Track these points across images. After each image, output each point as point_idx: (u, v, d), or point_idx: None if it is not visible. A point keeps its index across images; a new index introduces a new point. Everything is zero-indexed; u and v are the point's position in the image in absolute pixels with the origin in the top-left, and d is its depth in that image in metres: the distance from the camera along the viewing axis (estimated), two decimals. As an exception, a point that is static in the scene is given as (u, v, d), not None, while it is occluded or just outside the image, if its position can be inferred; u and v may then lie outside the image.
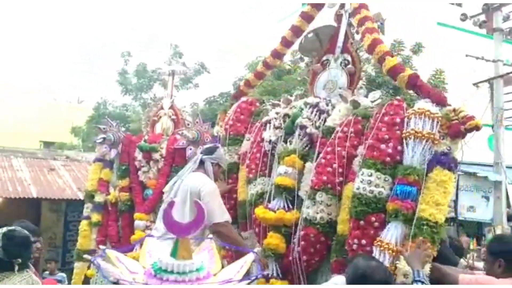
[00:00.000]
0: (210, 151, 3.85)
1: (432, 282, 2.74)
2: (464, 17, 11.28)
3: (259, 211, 3.59)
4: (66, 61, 46.44)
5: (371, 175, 3.05)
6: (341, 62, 3.93)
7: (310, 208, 3.39)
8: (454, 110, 3.01)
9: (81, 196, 10.26)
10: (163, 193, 4.15)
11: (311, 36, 4.27)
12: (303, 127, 3.64)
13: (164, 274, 1.55)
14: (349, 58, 3.90)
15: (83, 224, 5.50)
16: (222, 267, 1.80)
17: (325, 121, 3.67)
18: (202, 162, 3.77)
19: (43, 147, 19.13)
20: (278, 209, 3.53)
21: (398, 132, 3.09)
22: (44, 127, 20.16)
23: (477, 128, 2.90)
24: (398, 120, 3.14)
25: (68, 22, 48.00)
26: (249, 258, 1.85)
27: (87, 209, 5.57)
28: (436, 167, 2.89)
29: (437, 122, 3.00)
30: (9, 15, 44.48)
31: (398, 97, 3.49)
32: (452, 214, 11.53)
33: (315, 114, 3.70)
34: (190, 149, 4.80)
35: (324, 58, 4.07)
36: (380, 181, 3.04)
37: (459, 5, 13.98)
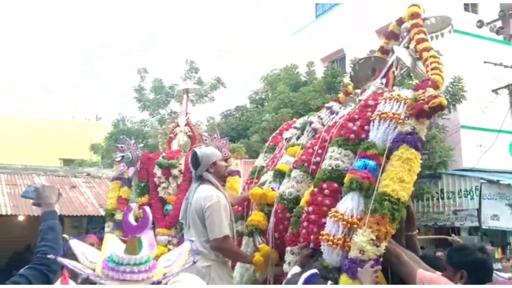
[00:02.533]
0: (195, 163, 3.72)
1: (384, 266, 2.72)
2: (480, 24, 11.19)
3: (252, 189, 3.73)
4: (65, 61, 47.09)
5: (333, 151, 3.14)
6: (377, 87, 3.83)
7: (283, 185, 3.50)
8: (424, 92, 2.95)
9: (102, 212, 10.37)
10: None
11: (365, 64, 4.13)
12: (311, 122, 3.82)
13: (116, 265, 1.91)
14: (384, 81, 3.82)
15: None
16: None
17: None
18: (201, 177, 3.72)
19: (63, 165, 19.38)
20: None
21: (369, 113, 3.15)
22: (63, 144, 20.44)
23: (441, 107, 2.84)
24: (371, 102, 3.22)
25: (67, 22, 48.76)
26: (185, 246, 2.26)
27: (108, 227, 5.62)
28: (402, 145, 2.88)
29: (404, 103, 3.02)
30: (7, 18, 45.36)
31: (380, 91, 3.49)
32: (476, 223, 11.35)
33: (326, 114, 3.88)
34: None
35: (367, 85, 3.94)
36: (340, 156, 3.11)
37: (475, 12, 13.87)
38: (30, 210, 10.70)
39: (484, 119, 12.27)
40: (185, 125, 5.70)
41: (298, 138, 3.99)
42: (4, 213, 10.49)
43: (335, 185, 3.02)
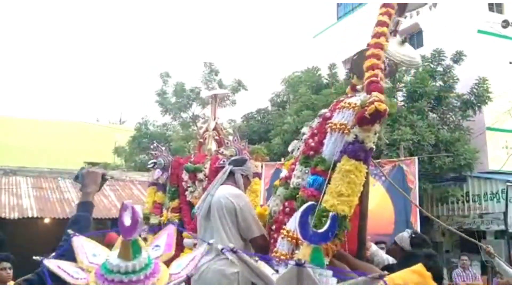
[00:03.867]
0: (240, 163, 3.82)
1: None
2: (505, 24, 11.00)
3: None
4: (89, 64, 47.65)
5: (297, 169, 3.10)
6: None
7: (271, 203, 3.45)
8: (370, 96, 2.75)
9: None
10: None
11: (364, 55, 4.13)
12: (303, 134, 3.64)
13: (106, 273, 1.66)
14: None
15: (142, 247, 5.64)
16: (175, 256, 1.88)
17: None
18: (231, 174, 3.73)
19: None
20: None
21: (327, 126, 3.06)
22: (88, 147, 20.75)
23: (378, 112, 2.63)
24: (328, 114, 3.14)
25: (89, 25, 49.48)
26: (200, 251, 1.95)
27: (144, 231, 5.73)
28: (343, 156, 2.78)
29: (353, 111, 2.89)
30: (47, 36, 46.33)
31: (349, 94, 3.36)
32: (502, 227, 11.12)
33: (318, 122, 3.66)
34: (230, 166, 4.87)
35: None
36: (301, 173, 3.06)
37: (500, 12, 13.62)
38: (55, 213, 10.91)
39: (511, 121, 12.04)
40: (213, 129, 5.82)
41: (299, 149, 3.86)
42: (30, 215, 10.70)
43: (295, 203, 2.98)
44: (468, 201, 11.68)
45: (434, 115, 11.96)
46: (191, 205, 5.28)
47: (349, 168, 2.72)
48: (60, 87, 45.53)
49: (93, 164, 20.72)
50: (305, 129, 3.66)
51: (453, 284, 9.01)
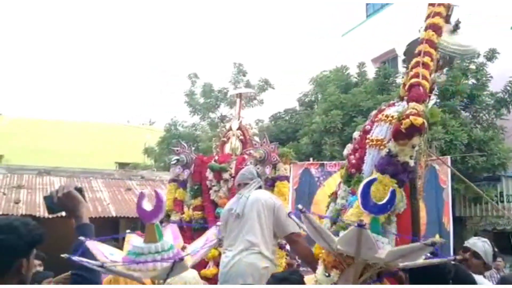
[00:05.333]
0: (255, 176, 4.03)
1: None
2: (541, 20, 10.65)
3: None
4: (120, 67, 48.33)
5: (340, 189, 2.99)
6: None
7: (325, 220, 3.34)
8: (407, 108, 2.62)
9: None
10: None
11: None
12: (354, 139, 3.57)
13: (136, 257, 1.85)
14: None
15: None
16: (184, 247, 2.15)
17: None
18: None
19: (118, 168, 20.01)
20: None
21: (366, 141, 2.95)
22: (119, 148, 21.10)
23: (415, 128, 2.49)
24: (368, 127, 3.02)
25: (120, 29, 50.21)
26: (211, 231, 2.28)
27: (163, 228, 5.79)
28: (373, 171, 2.66)
29: (390, 124, 2.76)
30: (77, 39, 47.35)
31: (391, 102, 3.15)
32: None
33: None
34: (258, 168, 4.86)
35: None
36: (345, 194, 2.95)
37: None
38: (87, 212, 11.12)
39: (546, 119, 11.67)
40: (237, 129, 5.76)
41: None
42: (63, 214, 10.95)
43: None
44: (502, 201, 11.36)
45: (467, 114, 11.70)
46: (215, 204, 5.29)
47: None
48: (93, 90, 46.48)
49: (124, 164, 21.09)
50: (356, 134, 3.57)
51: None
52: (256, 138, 5.61)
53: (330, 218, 3.04)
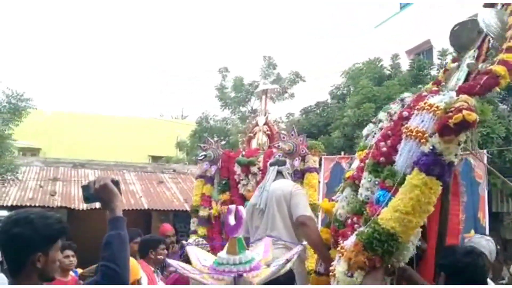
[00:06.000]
0: (283, 163, 3.98)
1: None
2: None
3: (322, 202, 3.62)
4: (153, 62, 48.88)
5: (365, 178, 2.73)
6: (470, 59, 3.13)
7: (338, 202, 3.17)
8: (456, 100, 2.31)
9: (187, 207, 10.73)
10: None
11: (472, 28, 3.33)
12: (380, 121, 3.33)
13: (218, 266, 2.00)
14: (475, 54, 3.14)
15: (191, 237, 5.73)
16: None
17: None
18: (279, 173, 3.89)
19: (151, 161, 20.29)
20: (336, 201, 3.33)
21: (402, 129, 2.64)
22: (152, 141, 21.38)
23: (466, 123, 2.20)
24: (405, 114, 2.72)
25: (153, 23, 50.73)
26: (267, 243, 2.32)
27: (193, 223, 5.81)
28: (414, 168, 2.39)
29: (434, 115, 2.45)
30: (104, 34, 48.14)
31: (434, 89, 2.84)
32: None
33: (399, 109, 3.26)
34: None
35: (464, 57, 3.29)
36: (370, 184, 2.70)
37: None
38: (121, 205, 11.32)
39: None
40: (264, 124, 5.74)
41: (374, 135, 3.41)
42: (97, 206, 11.15)
43: (361, 220, 2.67)
44: (541, 197, 10.97)
45: (505, 107, 11.31)
46: (244, 198, 5.28)
47: (416, 183, 2.35)
48: (127, 85, 47.28)
49: (157, 158, 21.39)
50: (382, 115, 3.33)
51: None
52: (284, 132, 5.58)
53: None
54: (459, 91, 2.40)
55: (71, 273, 4.67)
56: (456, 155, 2.40)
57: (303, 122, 13.71)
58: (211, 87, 17.87)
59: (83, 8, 47.86)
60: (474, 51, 3.02)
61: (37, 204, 10.53)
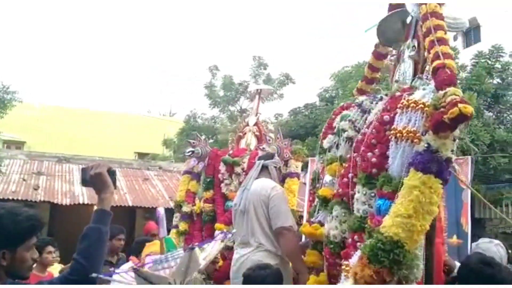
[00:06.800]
0: (270, 156, 3.93)
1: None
2: None
3: (302, 226, 3.32)
4: (143, 58, 48.76)
5: (359, 192, 2.61)
6: (410, 50, 3.07)
7: (327, 223, 3.00)
8: (444, 94, 2.20)
9: (172, 205, 10.67)
10: None
11: (394, 20, 3.36)
12: (344, 130, 3.16)
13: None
14: (416, 44, 3.05)
15: (172, 233, 5.71)
16: None
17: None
18: (264, 168, 3.81)
19: (137, 158, 20.20)
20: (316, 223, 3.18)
21: (387, 133, 2.52)
22: (138, 138, 21.28)
23: (463, 117, 2.09)
24: (386, 118, 2.57)
25: (141, 22, 50.55)
26: (220, 237, 2.66)
27: (175, 218, 5.79)
28: (410, 169, 2.27)
29: (422, 113, 2.34)
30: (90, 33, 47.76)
31: (406, 87, 2.74)
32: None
33: (359, 115, 3.14)
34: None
35: (401, 48, 3.21)
36: (366, 197, 2.58)
37: None
38: (111, 198, 11.25)
39: None
40: (254, 125, 5.73)
41: (337, 146, 3.23)
42: (81, 202, 11.08)
43: (364, 235, 2.53)
44: (524, 204, 11.14)
45: (490, 114, 11.46)
46: (225, 198, 5.28)
47: (413, 183, 2.22)
48: (115, 80, 46.96)
49: (143, 155, 21.29)
50: (344, 124, 3.14)
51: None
52: (271, 135, 5.57)
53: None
54: (440, 83, 2.29)
55: (50, 269, 4.62)
56: (452, 151, 2.30)
57: (291, 123, 13.76)
58: (200, 85, 17.87)
59: (75, 4, 47.45)
60: (412, 40, 2.98)
61: (20, 198, 10.39)
